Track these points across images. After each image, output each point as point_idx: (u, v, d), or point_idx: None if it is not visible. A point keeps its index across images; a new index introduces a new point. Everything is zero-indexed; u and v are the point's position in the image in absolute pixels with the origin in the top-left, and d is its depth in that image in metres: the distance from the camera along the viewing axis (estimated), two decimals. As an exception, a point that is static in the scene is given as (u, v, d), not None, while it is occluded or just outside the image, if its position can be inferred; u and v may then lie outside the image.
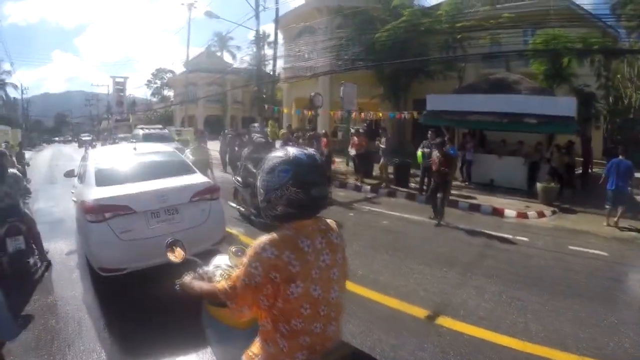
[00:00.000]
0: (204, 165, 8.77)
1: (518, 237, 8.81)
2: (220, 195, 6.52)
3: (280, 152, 1.88)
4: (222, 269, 2.11)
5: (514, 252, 7.82)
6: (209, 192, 6.19)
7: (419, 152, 12.83)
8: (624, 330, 4.76)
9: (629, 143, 23.73)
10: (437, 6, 21.04)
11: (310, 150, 1.91)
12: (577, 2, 20.97)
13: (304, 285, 1.77)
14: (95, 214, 5.29)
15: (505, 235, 8.93)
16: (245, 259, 1.83)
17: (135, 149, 7.07)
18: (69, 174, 8.12)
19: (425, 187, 12.59)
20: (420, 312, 5.02)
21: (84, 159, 7.56)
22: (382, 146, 14.67)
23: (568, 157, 14.03)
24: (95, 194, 5.54)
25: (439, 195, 9.83)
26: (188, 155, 8.75)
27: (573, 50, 16.53)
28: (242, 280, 1.80)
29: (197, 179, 6.43)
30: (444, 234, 9.04)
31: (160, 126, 24.70)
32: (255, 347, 1.99)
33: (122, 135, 28.52)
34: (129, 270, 5.33)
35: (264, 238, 1.80)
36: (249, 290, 1.78)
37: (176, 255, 2.67)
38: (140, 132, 19.99)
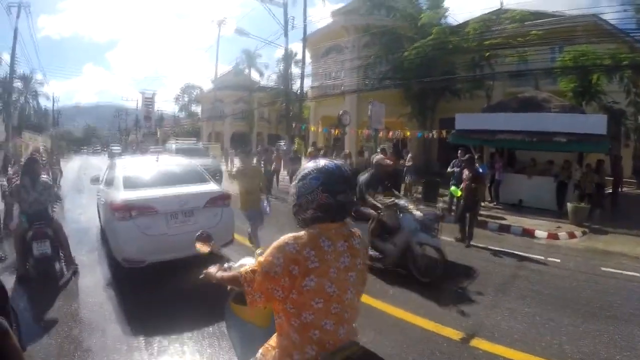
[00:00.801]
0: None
1: (550, 259, 8.78)
2: (230, 203, 7.30)
3: (312, 163, 2.17)
4: (247, 266, 2.28)
5: (545, 274, 7.77)
6: (221, 199, 7.06)
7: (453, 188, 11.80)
8: None
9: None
10: (464, 24, 21.14)
11: (339, 162, 2.18)
12: (605, 18, 20.84)
13: (319, 281, 1.95)
14: (122, 212, 6.18)
15: (537, 257, 8.91)
16: (269, 250, 2.03)
17: (157, 160, 8.09)
18: (95, 181, 9.03)
19: (454, 207, 12.42)
20: (453, 334, 5.04)
21: (110, 167, 8.49)
22: (408, 164, 14.71)
23: (597, 176, 13.91)
24: (123, 195, 6.46)
25: (467, 215, 9.82)
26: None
27: (602, 67, 16.42)
28: (262, 268, 1.99)
29: (211, 187, 7.31)
30: (474, 255, 9.01)
31: (194, 139, 24.61)
32: (272, 340, 2.23)
33: (152, 148, 27.11)
34: (148, 262, 6.14)
35: (290, 234, 2.02)
36: (267, 278, 1.97)
37: (205, 247, 2.96)
38: (174, 145, 20.12)
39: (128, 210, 6.17)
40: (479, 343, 4.85)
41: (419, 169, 15.25)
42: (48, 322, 5.04)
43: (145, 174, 7.36)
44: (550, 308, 5.92)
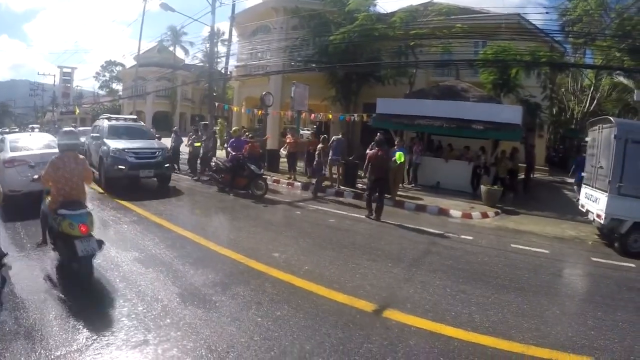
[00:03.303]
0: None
1: (462, 236, 9.02)
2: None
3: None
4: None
5: (458, 250, 7.93)
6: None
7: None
8: (567, 320, 4.98)
9: (571, 151, 25.06)
10: (392, 13, 21.27)
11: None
12: (528, 18, 21.80)
13: (60, 173, 5.50)
14: (12, 163, 9.88)
15: (450, 234, 9.12)
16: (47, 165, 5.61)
17: (30, 135, 13.98)
18: None
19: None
20: (367, 306, 4.97)
21: (1, 140, 11.71)
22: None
23: (511, 162, 14.47)
24: (12, 154, 10.19)
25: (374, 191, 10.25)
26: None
27: (522, 62, 17.11)
28: (45, 171, 5.55)
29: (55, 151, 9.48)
30: (390, 232, 9.10)
31: (134, 117, 18.02)
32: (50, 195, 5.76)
33: (81, 129, 24.23)
34: (23, 192, 9.41)
35: (53, 157, 5.76)
36: (46, 174, 5.53)
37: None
38: (105, 123, 14.14)
39: (12, 163, 9.88)
40: (392, 314, 4.80)
41: (342, 151, 15.01)
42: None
43: (22, 142, 11.17)
44: (461, 281, 6.00)
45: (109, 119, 14.83)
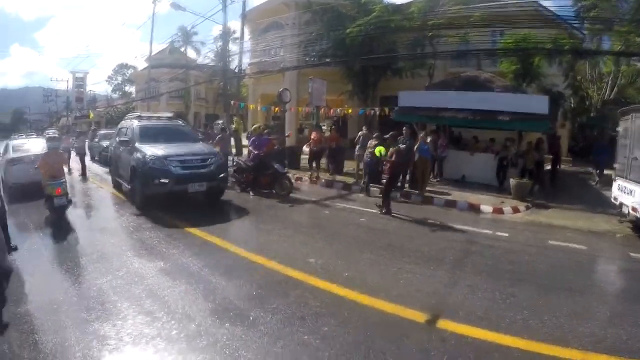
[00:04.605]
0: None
1: (498, 233, 8.74)
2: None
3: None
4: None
5: (497, 248, 7.66)
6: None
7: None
8: (619, 321, 4.72)
9: (591, 140, 24.53)
10: (408, 4, 20.88)
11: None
12: (544, 5, 21.27)
13: (48, 161, 9.45)
14: (13, 161, 12.75)
15: (485, 231, 8.85)
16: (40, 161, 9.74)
17: (28, 141, 15.94)
18: None
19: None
20: (417, 316, 4.69)
21: (6, 145, 14.55)
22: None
23: (538, 154, 14.11)
24: (13, 155, 13.14)
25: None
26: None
27: (544, 50, 16.70)
28: (40, 162, 9.53)
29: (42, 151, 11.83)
30: (425, 231, 8.85)
31: (170, 114, 15.12)
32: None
33: (102, 132, 24.13)
34: (23, 183, 12.05)
35: (44, 152, 10.62)
36: (41, 163, 9.40)
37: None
38: (135, 123, 11.78)
39: (13, 161, 12.80)
40: (445, 324, 4.52)
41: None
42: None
43: (19, 146, 14.13)
44: (508, 283, 5.73)
45: (139, 118, 12.50)
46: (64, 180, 9.25)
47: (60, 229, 8.60)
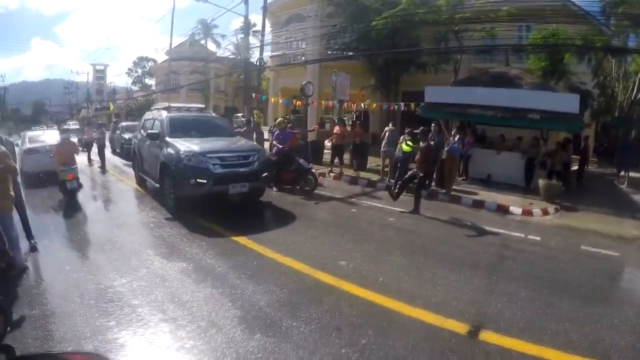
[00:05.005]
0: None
1: (530, 237, 8.50)
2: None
3: None
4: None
5: (531, 253, 7.46)
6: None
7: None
8: None
9: (616, 140, 23.99)
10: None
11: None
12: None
13: (62, 150, 10.85)
14: (29, 151, 13.90)
15: (517, 234, 8.63)
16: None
17: (43, 132, 18.03)
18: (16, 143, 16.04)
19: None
20: (459, 327, 4.50)
21: (23, 136, 16.30)
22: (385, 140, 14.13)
23: (565, 154, 13.81)
24: (29, 145, 14.26)
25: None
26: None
27: (574, 47, 16.30)
28: (55, 151, 11.11)
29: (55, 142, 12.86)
30: (456, 233, 8.62)
31: (201, 105, 14.63)
32: None
33: (124, 124, 23.71)
34: (38, 171, 13.16)
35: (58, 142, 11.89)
36: (55, 152, 10.89)
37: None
38: (164, 114, 10.71)
39: (30, 151, 13.88)
40: (488, 336, 4.34)
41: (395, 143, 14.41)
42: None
43: (36, 137, 15.52)
44: (546, 292, 5.54)
45: (168, 109, 11.32)
46: (75, 166, 10.62)
47: (78, 223, 8.91)
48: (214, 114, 13.23)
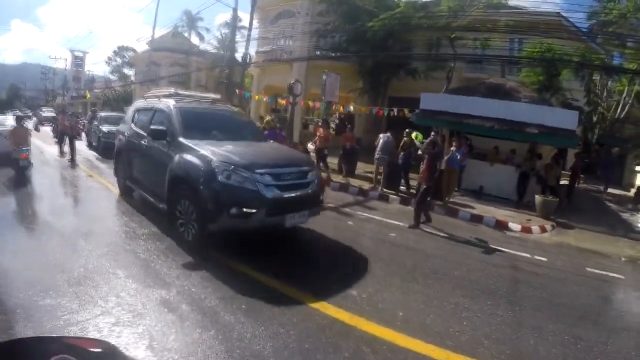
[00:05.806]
0: None
1: (536, 257, 8.18)
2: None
3: None
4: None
5: (542, 277, 7.06)
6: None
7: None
8: None
9: (597, 157, 24.20)
10: (437, 2, 20.13)
11: None
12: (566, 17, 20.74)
13: (16, 133, 11.87)
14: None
15: (524, 254, 8.27)
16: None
17: (6, 118, 17.23)
18: None
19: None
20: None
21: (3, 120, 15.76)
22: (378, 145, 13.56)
23: (558, 169, 13.64)
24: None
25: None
26: None
27: (572, 63, 16.21)
28: (9, 134, 12.01)
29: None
30: (463, 253, 8.06)
31: (217, 96, 10.86)
32: None
33: (103, 114, 20.16)
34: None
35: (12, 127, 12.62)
36: (10, 135, 11.87)
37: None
38: (171, 105, 7.59)
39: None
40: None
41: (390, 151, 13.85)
42: None
43: (3, 122, 14.95)
44: (571, 322, 5.18)
45: (175, 96, 8.32)
46: (28, 148, 11.91)
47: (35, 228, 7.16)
48: (232, 108, 9.76)
